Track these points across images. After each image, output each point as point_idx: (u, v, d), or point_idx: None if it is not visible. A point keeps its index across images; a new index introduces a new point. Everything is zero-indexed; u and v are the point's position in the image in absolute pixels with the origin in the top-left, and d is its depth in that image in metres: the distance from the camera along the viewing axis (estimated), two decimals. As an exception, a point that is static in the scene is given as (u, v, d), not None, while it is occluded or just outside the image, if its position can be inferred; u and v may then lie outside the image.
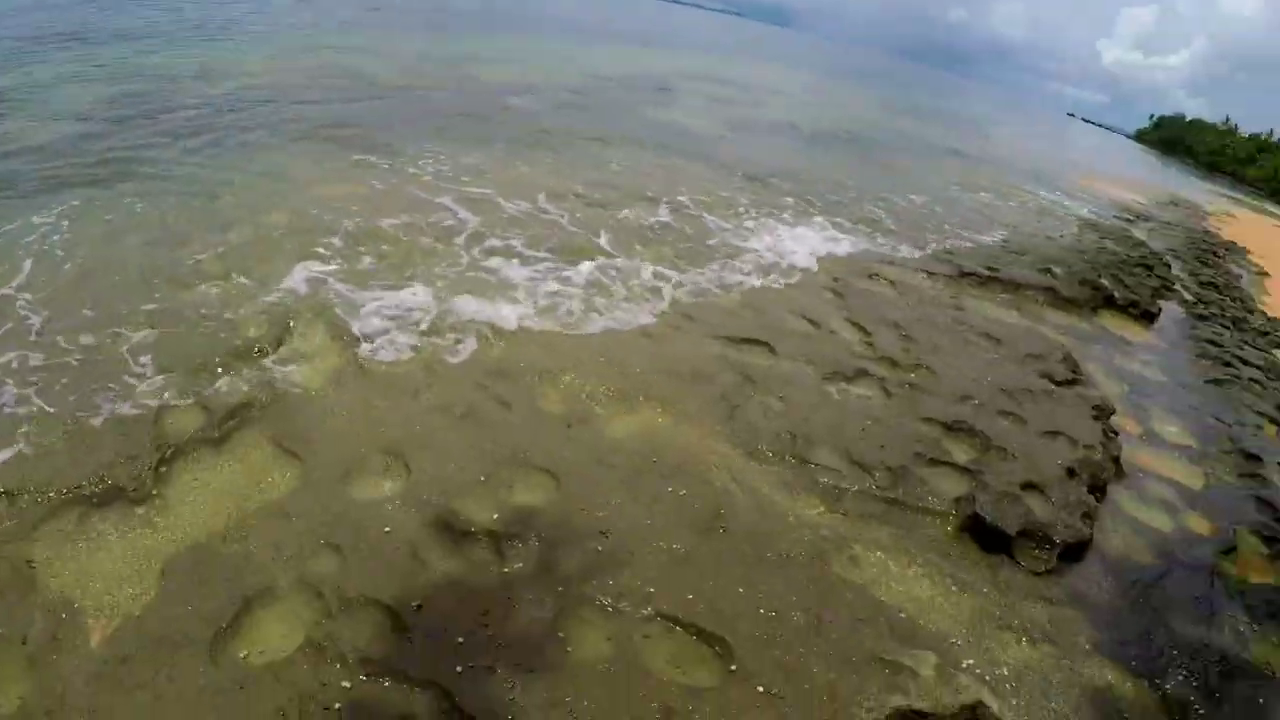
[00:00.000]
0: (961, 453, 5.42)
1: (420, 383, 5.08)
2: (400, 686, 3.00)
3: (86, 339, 4.94)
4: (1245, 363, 8.22)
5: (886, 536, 4.58)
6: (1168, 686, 4.02)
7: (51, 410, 4.24)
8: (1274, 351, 8.76)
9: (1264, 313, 9.94)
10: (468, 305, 6.07)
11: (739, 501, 4.61)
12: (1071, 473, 5.28)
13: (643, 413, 5.31)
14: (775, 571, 4.09)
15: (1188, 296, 9.51)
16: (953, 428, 5.61)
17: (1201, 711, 3.91)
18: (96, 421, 4.21)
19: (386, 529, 3.81)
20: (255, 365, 4.94)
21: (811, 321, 7.04)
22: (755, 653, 3.50)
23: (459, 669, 3.09)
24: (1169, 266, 10.00)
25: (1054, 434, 5.64)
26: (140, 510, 3.67)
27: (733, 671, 3.39)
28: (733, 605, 3.79)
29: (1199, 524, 5.49)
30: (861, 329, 7.01)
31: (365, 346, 5.20)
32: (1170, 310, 9.11)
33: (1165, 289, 9.18)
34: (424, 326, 5.61)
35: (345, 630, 3.21)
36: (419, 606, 3.35)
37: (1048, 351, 6.83)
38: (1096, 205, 17.56)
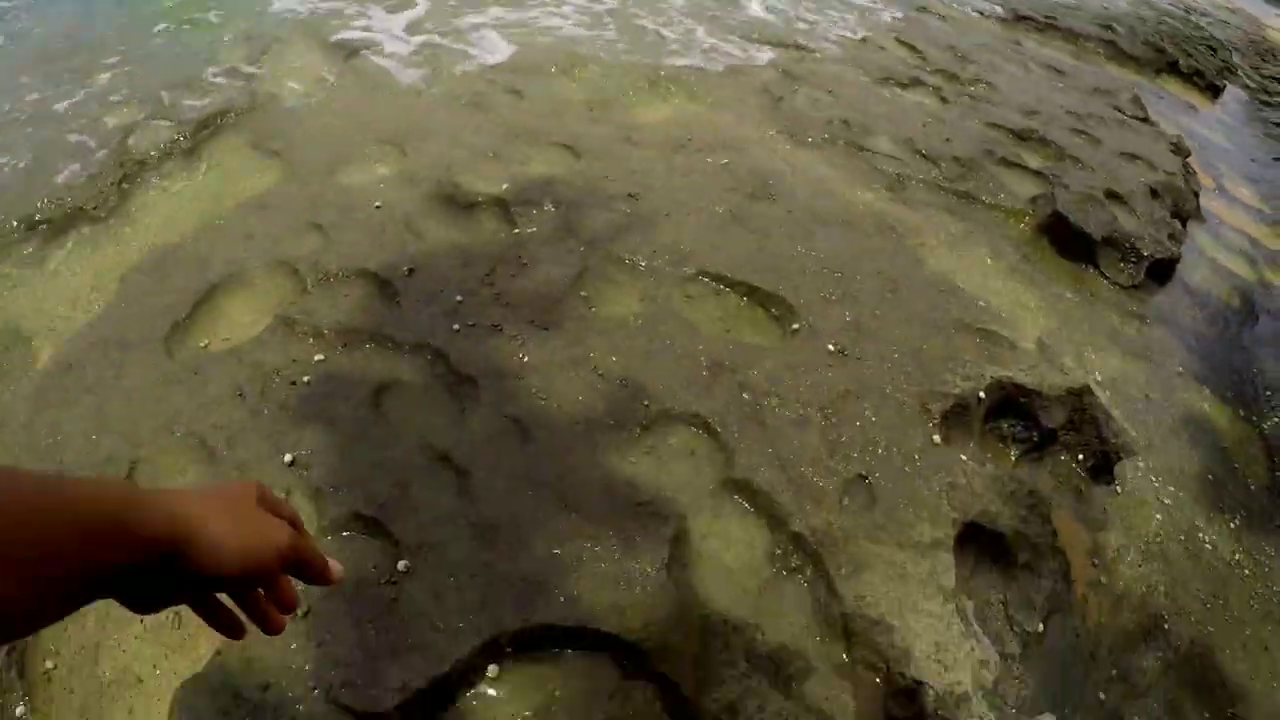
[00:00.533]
0: (1034, 158, 4.84)
1: (421, 83, 4.59)
2: (383, 352, 2.67)
3: (48, 89, 4.34)
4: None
5: (958, 229, 4.13)
6: (1264, 426, 3.96)
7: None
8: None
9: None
10: (476, 17, 5.60)
11: (789, 177, 4.14)
12: (1154, 193, 4.77)
13: (674, 100, 4.92)
14: (838, 236, 3.81)
15: (1250, 83, 8.85)
16: (1022, 136, 5.03)
17: None
18: (56, 150, 3.73)
19: (377, 204, 3.44)
20: (233, 76, 4.42)
21: (857, 37, 6.25)
22: (821, 312, 3.21)
23: (456, 328, 2.76)
24: (1230, 53, 9.28)
25: (1131, 156, 5.10)
26: (102, 227, 3.30)
27: (795, 331, 3.11)
28: (791, 264, 3.48)
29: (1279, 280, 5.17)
30: (913, 48, 6.34)
31: (360, 56, 4.79)
32: (1234, 92, 8.50)
33: (1228, 70, 8.49)
34: (427, 36, 5.19)
35: (322, 305, 2.87)
36: (410, 271, 3.01)
37: (1115, 89, 6.18)
38: None
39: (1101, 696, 2.68)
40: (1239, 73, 9.05)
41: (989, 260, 4.14)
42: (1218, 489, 3.61)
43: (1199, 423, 3.89)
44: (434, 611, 1.97)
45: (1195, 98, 7.74)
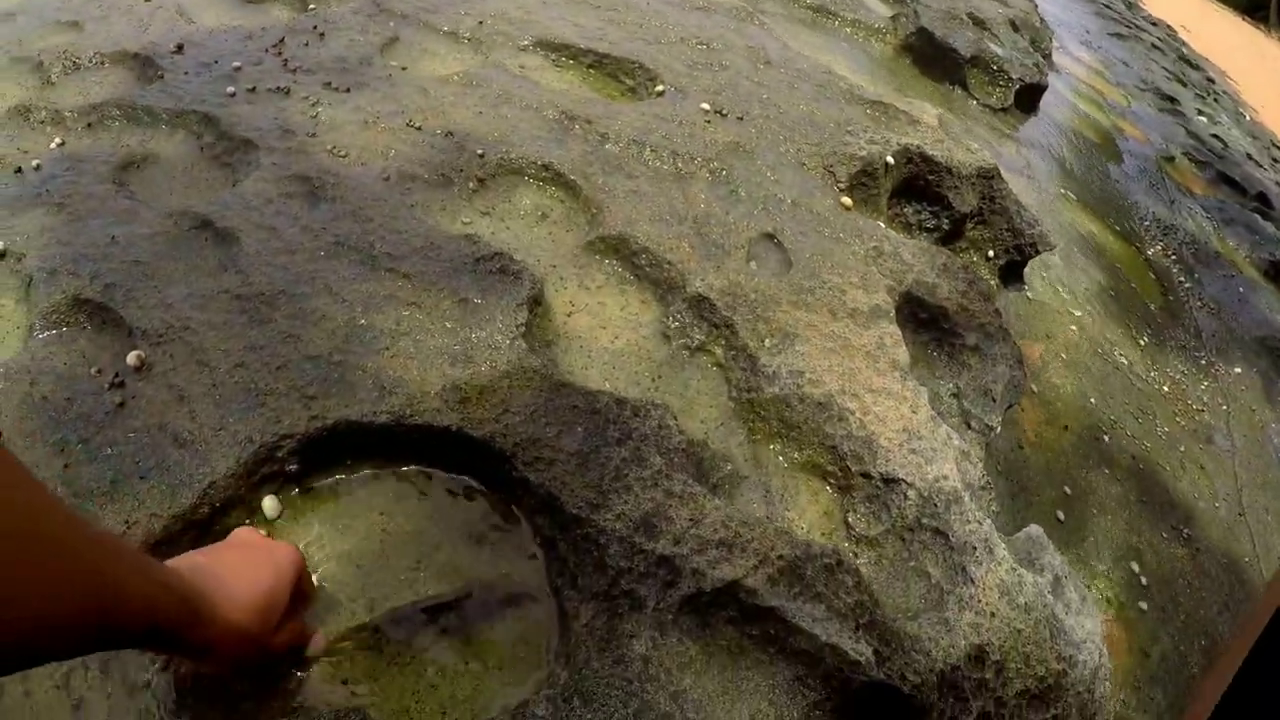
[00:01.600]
0: (888, -17, 4.36)
1: None
2: (135, 127, 2.06)
3: None
4: (1142, 29, 7.94)
5: (820, 42, 3.51)
6: (1149, 253, 3.93)
7: None
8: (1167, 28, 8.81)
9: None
10: None
11: None
12: (1014, 26, 4.45)
13: None
14: (698, 17, 3.35)
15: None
16: (874, -41, 4.47)
17: (1185, 284, 3.86)
18: None
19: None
20: None
21: None
22: (689, 77, 2.64)
23: (231, 92, 2.14)
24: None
25: None
26: None
27: (661, 93, 2.54)
28: (647, 35, 2.88)
29: (1133, 130, 5.41)
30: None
31: None
32: None
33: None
34: None
35: (68, 92, 2.22)
36: (179, 48, 2.37)
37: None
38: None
39: (1060, 516, 2.22)
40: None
41: (855, 76, 3.64)
42: (1121, 305, 3.33)
43: (1090, 243, 3.66)
44: (177, 419, 1.28)
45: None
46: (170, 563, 0.78)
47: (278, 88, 2.16)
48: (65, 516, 0.51)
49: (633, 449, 1.29)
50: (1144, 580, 2.34)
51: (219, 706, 1.03)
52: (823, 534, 1.48)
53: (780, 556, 1.20)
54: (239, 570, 0.86)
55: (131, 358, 1.39)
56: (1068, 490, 2.40)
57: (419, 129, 2.05)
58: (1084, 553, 2.28)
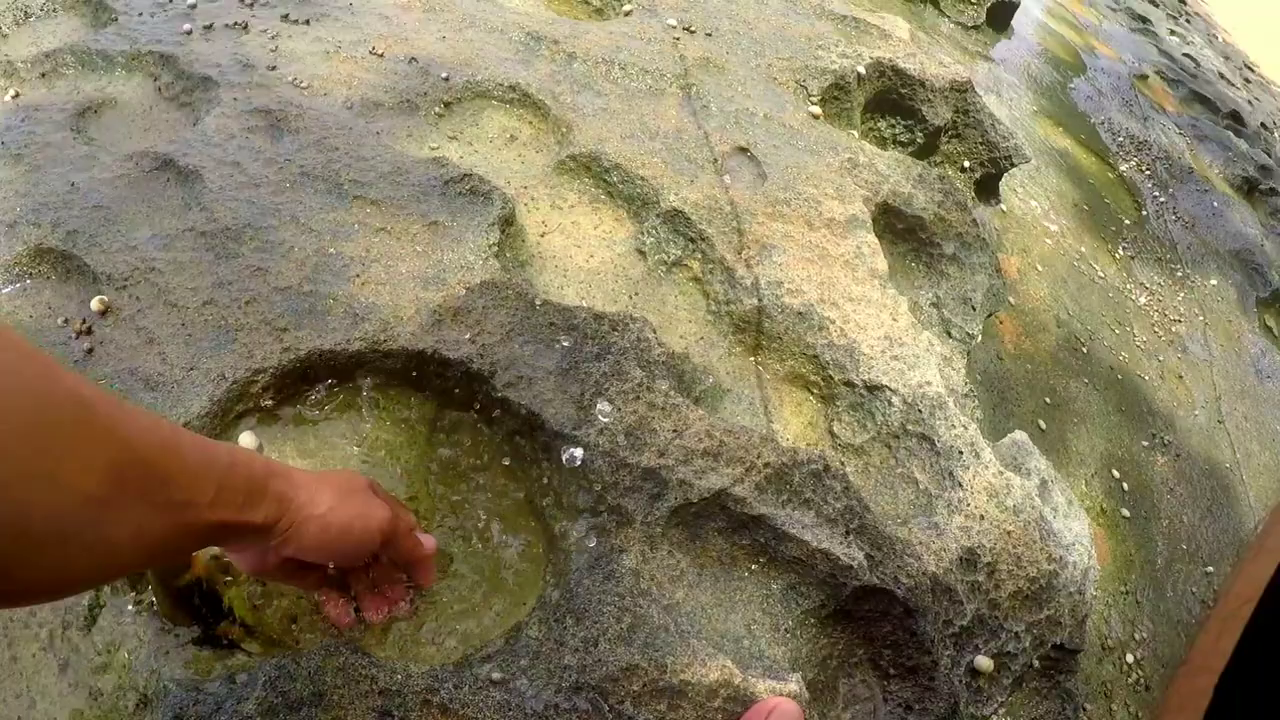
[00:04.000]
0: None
1: None
2: (91, 73, 1.94)
3: None
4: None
5: None
6: (1122, 169, 3.88)
7: None
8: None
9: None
10: None
11: None
12: None
13: None
14: None
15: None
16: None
17: (1159, 199, 3.80)
18: None
19: None
20: None
21: None
22: None
23: (188, 29, 2.02)
24: None
25: None
26: None
27: (627, 13, 2.43)
28: None
29: (1104, 49, 5.22)
30: None
31: None
32: None
33: None
34: None
35: (20, 44, 2.06)
36: None
37: None
38: None
39: (1042, 425, 2.20)
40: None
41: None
42: (1095, 220, 3.29)
43: (1062, 158, 3.59)
44: (147, 362, 1.22)
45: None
46: (264, 460, 0.75)
47: (235, 23, 2.06)
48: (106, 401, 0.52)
49: (612, 363, 1.24)
50: (1125, 487, 2.35)
51: (203, 653, 0.99)
52: (808, 444, 1.45)
53: (767, 464, 1.17)
54: (327, 489, 0.80)
55: (95, 303, 1.33)
56: (1048, 400, 2.39)
57: (381, 56, 1.96)
58: (1066, 461, 2.27)
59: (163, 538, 0.56)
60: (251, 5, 2.16)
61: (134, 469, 0.51)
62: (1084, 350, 2.61)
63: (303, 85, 1.84)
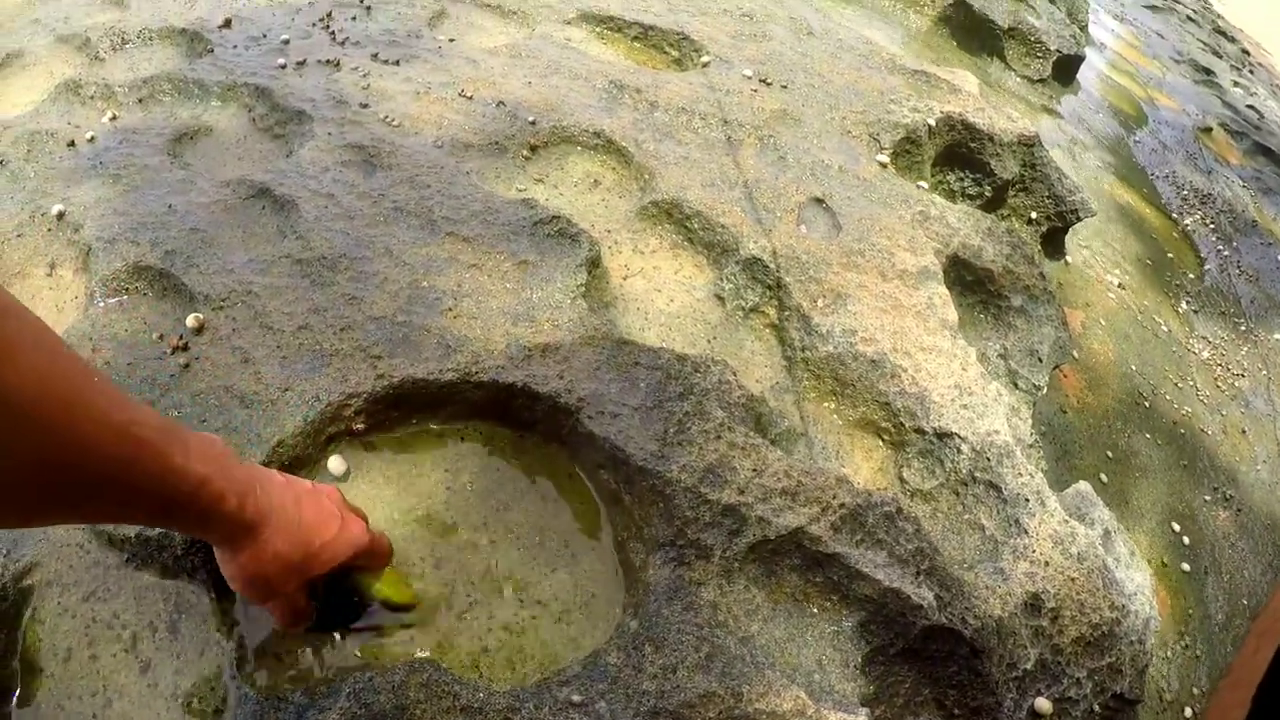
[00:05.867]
0: (923, -47, 4.21)
1: None
2: (188, 101, 2.02)
3: None
4: (1176, 1, 7.67)
5: (856, 15, 3.42)
6: (1185, 223, 3.81)
7: None
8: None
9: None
10: None
11: None
12: None
13: None
14: None
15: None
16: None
17: (1223, 252, 3.73)
18: None
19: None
20: None
21: None
22: (733, 48, 2.59)
23: (282, 64, 2.10)
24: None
25: None
26: None
27: (706, 64, 2.47)
28: (689, 7, 2.81)
29: (1167, 101, 5.23)
30: None
31: None
32: None
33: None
34: None
35: (117, 69, 2.17)
36: (226, 23, 2.31)
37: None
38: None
39: (1103, 479, 2.16)
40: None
41: (893, 47, 3.54)
42: (1159, 275, 3.23)
43: (1125, 212, 3.54)
44: (242, 380, 1.25)
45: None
46: (246, 465, 0.76)
47: (327, 60, 2.13)
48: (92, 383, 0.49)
49: (695, 403, 1.26)
50: (1186, 540, 2.28)
51: (285, 663, 1.02)
52: (879, 488, 1.45)
53: (842, 505, 1.18)
54: (304, 503, 0.82)
55: (191, 320, 1.36)
56: (1109, 454, 2.34)
57: (470, 99, 2.03)
58: (1126, 514, 2.22)
59: (115, 464, 0.52)
60: (343, 44, 2.25)
61: (60, 381, 0.45)
62: (1146, 404, 2.56)
63: (394, 123, 1.91)
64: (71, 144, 1.80)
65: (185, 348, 1.33)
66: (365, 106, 1.96)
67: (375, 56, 2.18)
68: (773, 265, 1.63)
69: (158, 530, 1.07)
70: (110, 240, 1.49)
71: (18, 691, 1.03)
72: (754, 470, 1.18)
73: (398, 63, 2.17)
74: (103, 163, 1.73)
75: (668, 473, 1.16)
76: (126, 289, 1.45)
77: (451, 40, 2.33)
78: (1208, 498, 2.46)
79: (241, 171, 1.74)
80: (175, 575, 1.10)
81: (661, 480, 1.16)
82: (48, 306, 1.47)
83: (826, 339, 1.55)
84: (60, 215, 1.59)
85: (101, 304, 1.42)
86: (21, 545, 1.11)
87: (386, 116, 1.92)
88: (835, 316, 1.58)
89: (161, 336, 1.36)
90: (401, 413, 1.31)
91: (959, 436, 1.46)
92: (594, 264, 1.55)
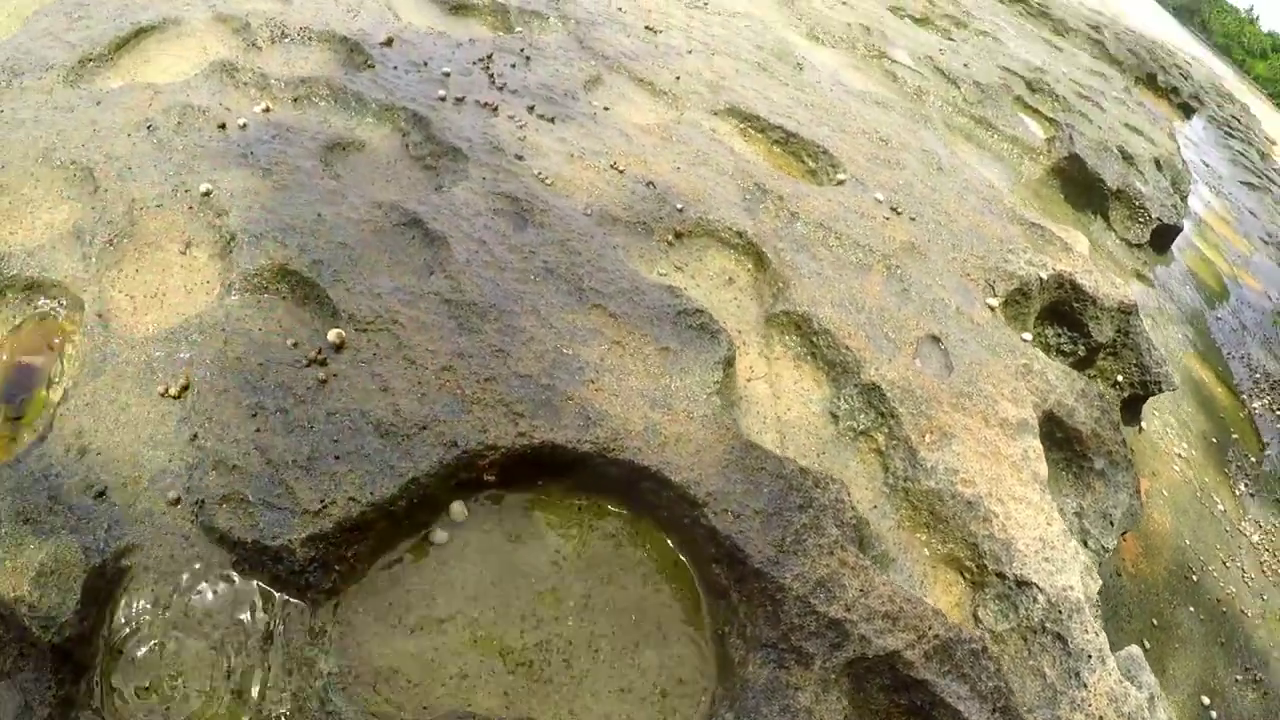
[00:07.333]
0: (1045, 105, 4.32)
1: None
2: (344, 110, 2.06)
3: None
4: (1273, 181, 7.66)
5: (973, 155, 3.49)
6: (1254, 407, 3.82)
7: None
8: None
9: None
10: None
11: (811, 60, 3.43)
12: (1158, 164, 4.31)
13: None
14: (876, 111, 3.30)
15: (1215, 115, 8.81)
16: (1033, 86, 4.49)
17: None
18: None
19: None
20: None
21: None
22: (868, 170, 2.69)
23: (442, 96, 2.15)
24: (1197, 85, 9.22)
25: (1134, 129, 4.65)
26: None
27: (841, 182, 2.58)
28: (829, 120, 2.93)
29: (1251, 282, 5.23)
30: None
31: None
32: (1200, 120, 8.43)
33: (1197, 99, 8.37)
34: None
35: (273, 60, 2.21)
36: (389, 41, 2.38)
37: (1108, 76, 5.79)
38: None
39: (1146, 644, 2.18)
40: (1206, 103, 8.98)
41: (1009, 194, 3.63)
42: (1221, 454, 3.23)
43: (1199, 389, 3.55)
44: (380, 409, 1.27)
45: (1167, 111, 7.53)
46: None
47: (485, 103, 2.18)
48: None
49: (812, 517, 1.34)
50: (1214, 715, 2.28)
51: (381, 693, 1.06)
52: (955, 619, 1.50)
53: (936, 635, 1.24)
54: None
55: (333, 335, 1.35)
56: (1154, 622, 2.35)
57: (621, 173, 2.09)
58: (1164, 682, 2.22)
59: None
60: (501, 89, 2.30)
61: None
62: (1194, 579, 2.56)
63: (547, 181, 1.97)
64: (222, 126, 1.83)
65: (324, 362, 1.32)
66: (520, 159, 2.01)
67: (532, 109, 2.25)
68: (889, 395, 1.71)
69: (278, 540, 1.07)
70: (257, 235, 1.50)
71: (99, 671, 1.02)
72: (861, 590, 1.25)
73: (553, 120, 2.23)
74: (254, 153, 1.74)
75: (782, 579, 1.24)
76: (266, 288, 1.45)
77: (606, 109, 2.43)
78: (1239, 677, 2.45)
79: (392, 195, 1.76)
80: (284, 587, 1.10)
81: (774, 585, 1.23)
82: (176, 286, 1.45)
83: (930, 474, 1.61)
84: (207, 194, 1.57)
85: (236, 297, 1.40)
86: (123, 524, 1.10)
87: (540, 173, 1.98)
88: (940, 454, 1.65)
89: (296, 344, 1.34)
90: (532, 473, 1.35)
91: (1037, 587, 1.52)
92: (729, 363, 1.64)
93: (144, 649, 1.05)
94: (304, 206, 1.59)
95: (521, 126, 2.07)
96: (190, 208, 1.56)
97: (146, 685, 1.01)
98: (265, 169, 1.67)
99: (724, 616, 1.26)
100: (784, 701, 1.12)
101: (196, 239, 1.52)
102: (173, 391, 1.19)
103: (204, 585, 1.08)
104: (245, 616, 1.07)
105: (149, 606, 1.06)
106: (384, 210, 1.67)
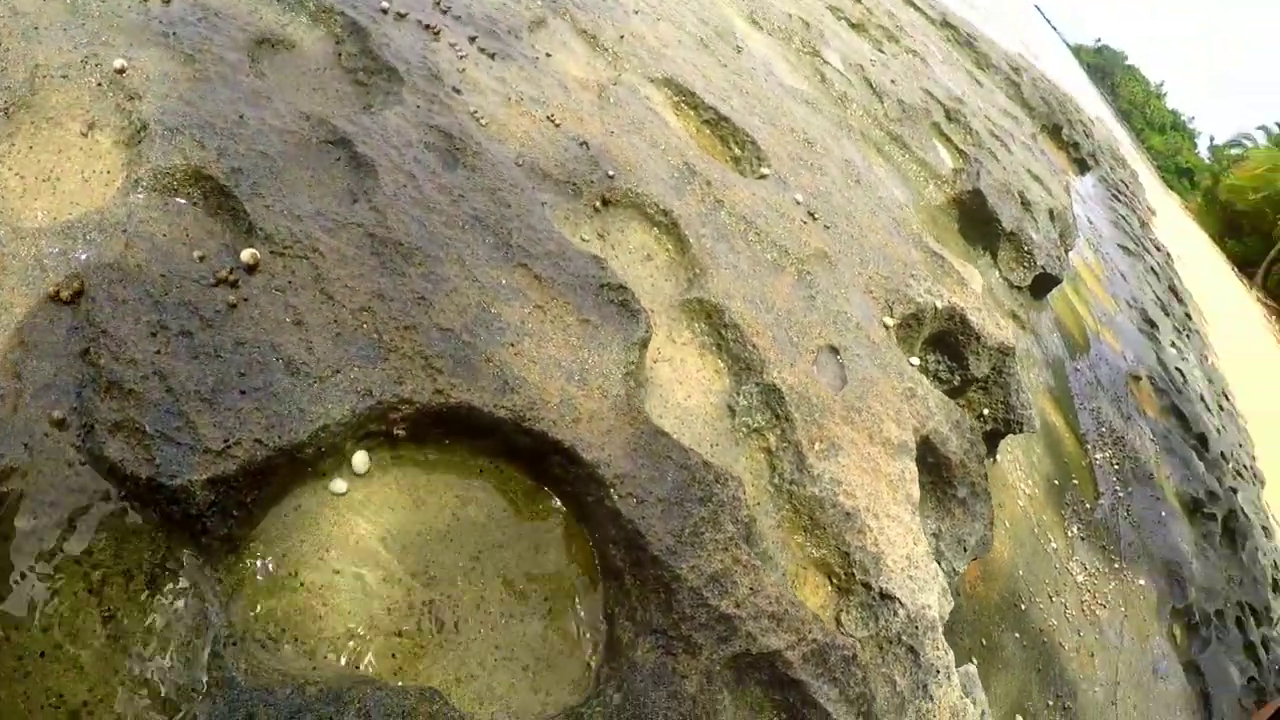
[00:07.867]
0: (959, 139, 4.61)
1: None
2: (278, 5, 1.90)
3: None
4: (1147, 250, 8.41)
5: (882, 169, 3.73)
6: (1096, 458, 4.22)
7: None
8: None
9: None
10: None
11: (749, 46, 3.55)
12: (1052, 216, 4.72)
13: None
14: (806, 111, 3.43)
15: (1106, 177, 9.60)
16: (951, 115, 4.78)
17: (1119, 494, 4.17)
18: None
19: None
20: None
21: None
22: (791, 170, 2.79)
23: (384, 8, 2.05)
24: (1096, 145, 9.99)
25: (1035, 177, 5.02)
26: None
27: (764, 176, 2.68)
28: (761, 110, 3.03)
29: (1111, 340, 5.72)
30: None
31: None
32: (1091, 178, 9.16)
33: (1093, 158, 9.09)
34: None
35: None
36: None
37: (1019, 119, 6.21)
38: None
39: (974, 662, 2.41)
40: (1101, 163, 9.74)
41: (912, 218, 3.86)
42: (1060, 496, 3.59)
43: (1049, 432, 3.92)
44: (291, 344, 1.21)
45: (1065, 164, 8.11)
46: None
47: (428, 25, 2.09)
48: None
49: (711, 511, 1.42)
50: (1024, 735, 2.56)
51: (273, 653, 1.03)
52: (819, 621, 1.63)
53: (814, 639, 1.34)
54: None
55: (246, 254, 1.26)
56: (984, 642, 2.60)
57: (557, 126, 2.07)
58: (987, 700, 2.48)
59: None
60: (445, 13, 2.22)
61: None
62: (1022, 608, 2.84)
63: (482, 121, 1.92)
64: (144, 0, 1.64)
65: (235, 284, 1.23)
66: (458, 92, 1.94)
67: (473, 40, 2.17)
68: (788, 398, 1.81)
69: (177, 479, 1.00)
70: (172, 129, 1.37)
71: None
72: (750, 589, 1.34)
73: (493, 56, 2.17)
74: (176, 34, 1.59)
75: (678, 569, 1.31)
76: (176, 190, 1.34)
77: (548, 55, 2.37)
78: (1050, 703, 2.76)
79: (320, 108, 1.66)
80: (176, 531, 1.03)
81: (671, 574, 1.30)
82: (73, 171, 1.31)
83: (815, 481, 1.73)
84: (120, 71, 1.42)
85: (141, 196, 1.29)
86: (3, 441, 1.00)
87: (476, 111, 1.92)
88: (826, 464, 1.77)
89: (204, 258, 1.25)
90: (441, 432, 1.34)
91: (899, 601, 1.66)
92: (644, 345, 1.69)
93: (12, 587, 0.95)
94: (226, 105, 1.48)
95: (462, 57, 2.01)
96: (99, 84, 1.41)
97: (16, 626, 0.93)
98: (188, 54, 1.54)
99: (616, 597, 1.31)
100: (671, 688, 1.18)
101: (101, 121, 1.38)
102: (64, 295, 1.10)
103: (86, 521, 1.00)
104: (129, 558, 1.00)
105: (24, 540, 0.97)
106: (311, 123, 1.58)
